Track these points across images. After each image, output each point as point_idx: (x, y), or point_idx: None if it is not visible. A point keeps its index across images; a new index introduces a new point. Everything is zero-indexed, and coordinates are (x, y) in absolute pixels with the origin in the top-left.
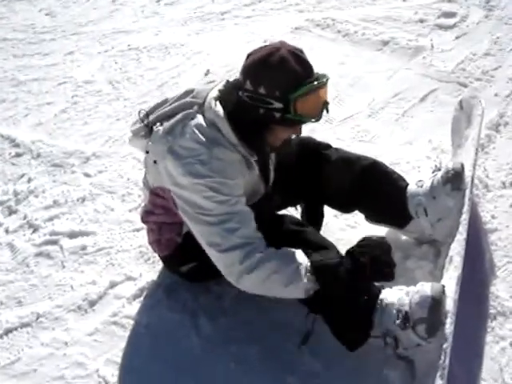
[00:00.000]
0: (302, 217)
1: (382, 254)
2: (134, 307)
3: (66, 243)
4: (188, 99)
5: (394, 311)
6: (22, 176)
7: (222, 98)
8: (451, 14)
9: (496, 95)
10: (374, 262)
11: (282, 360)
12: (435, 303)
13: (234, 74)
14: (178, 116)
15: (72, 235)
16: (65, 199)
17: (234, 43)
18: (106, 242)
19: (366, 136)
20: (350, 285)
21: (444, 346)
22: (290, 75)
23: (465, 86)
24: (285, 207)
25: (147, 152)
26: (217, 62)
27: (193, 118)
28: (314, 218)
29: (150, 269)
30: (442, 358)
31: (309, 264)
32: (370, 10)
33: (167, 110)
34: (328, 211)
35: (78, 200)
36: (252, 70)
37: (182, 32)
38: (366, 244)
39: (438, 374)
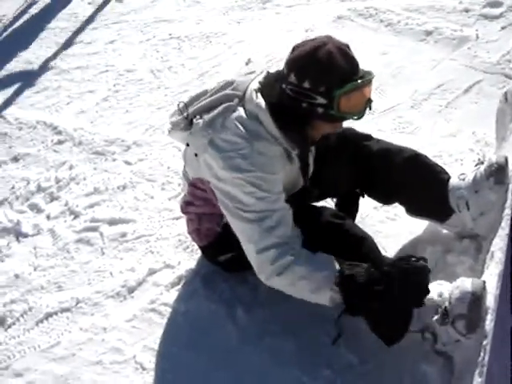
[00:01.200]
0: (335, 206)
1: (416, 281)
2: (172, 295)
3: (106, 230)
4: (228, 91)
5: (434, 306)
6: (64, 163)
7: (264, 89)
8: (497, 4)
9: None
10: (403, 287)
11: (318, 353)
12: (475, 299)
13: (275, 63)
14: (219, 108)
15: (112, 222)
16: (105, 187)
17: (275, 32)
18: (145, 229)
19: (407, 128)
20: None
21: (484, 342)
22: (337, 71)
23: (510, 77)
24: (323, 198)
25: (187, 144)
26: (258, 51)
27: (234, 111)
28: (349, 210)
29: (189, 257)
30: (482, 355)
31: (337, 275)
32: (413, 0)
33: (207, 102)
34: (368, 203)
35: (118, 188)
36: (298, 63)
37: (223, 21)
38: (403, 267)
39: (477, 372)
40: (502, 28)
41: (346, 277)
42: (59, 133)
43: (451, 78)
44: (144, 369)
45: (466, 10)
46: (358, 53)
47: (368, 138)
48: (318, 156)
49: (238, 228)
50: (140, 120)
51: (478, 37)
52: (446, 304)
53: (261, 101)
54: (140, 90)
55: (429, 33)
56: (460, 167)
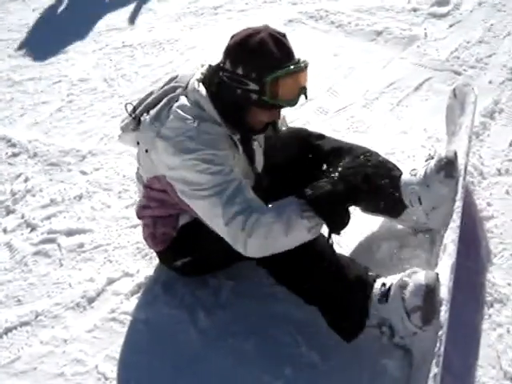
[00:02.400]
0: None
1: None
2: (132, 303)
3: (64, 241)
4: (172, 84)
5: (389, 300)
6: (19, 176)
7: (205, 79)
8: (444, 3)
9: (490, 82)
10: (366, 179)
11: (280, 352)
12: (429, 291)
13: None
14: (163, 101)
15: (69, 233)
16: (62, 197)
17: (227, 37)
18: (103, 239)
19: (360, 126)
20: (343, 274)
21: (439, 333)
22: (267, 57)
23: (459, 74)
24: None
25: (138, 143)
26: (210, 57)
27: (177, 101)
28: None
29: (148, 264)
30: (438, 345)
31: (302, 202)
32: (363, 1)
33: (153, 98)
34: None
35: (74, 198)
36: (232, 50)
37: (175, 27)
38: (351, 165)
39: (434, 362)
40: (450, 26)
41: (312, 197)
42: (13, 145)
43: (402, 76)
44: (107, 379)
45: (415, 10)
46: (309, 55)
47: (320, 137)
48: (270, 154)
49: (201, 208)
50: (94, 129)
51: (426, 35)
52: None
53: (202, 89)
54: (94, 99)
55: (379, 33)
56: (412, 163)
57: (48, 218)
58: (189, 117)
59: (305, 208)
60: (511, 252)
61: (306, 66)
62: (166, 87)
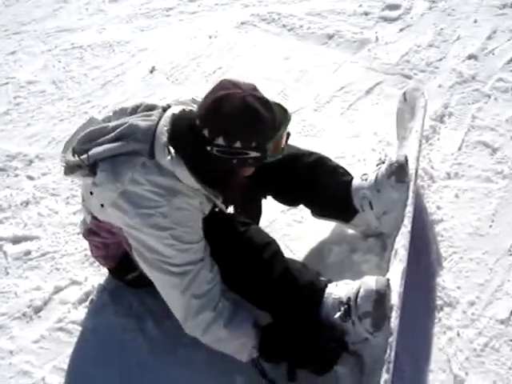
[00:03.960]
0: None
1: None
2: (80, 312)
3: (10, 249)
4: (132, 143)
5: (337, 304)
6: None
7: (176, 142)
8: (395, 7)
9: (440, 86)
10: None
11: (230, 361)
12: (380, 297)
13: (179, 70)
14: (126, 162)
15: (16, 240)
16: (8, 204)
17: (178, 40)
18: (50, 246)
19: (311, 130)
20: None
21: (389, 339)
22: (265, 127)
23: (409, 77)
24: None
25: (91, 193)
26: (162, 59)
27: (144, 166)
28: (251, 214)
29: (96, 272)
30: (388, 351)
31: (256, 343)
32: (315, 4)
33: (110, 148)
34: (275, 207)
35: (21, 204)
36: (223, 126)
37: (126, 29)
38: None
39: (384, 368)
40: (400, 30)
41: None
42: None
43: (353, 80)
44: None
45: (366, 13)
46: (261, 58)
47: None
48: None
49: (159, 280)
50: (42, 133)
51: (377, 39)
52: (350, 302)
53: (176, 160)
54: (42, 101)
55: (330, 36)
56: (363, 167)
57: None
58: (161, 190)
59: (256, 347)
60: (461, 255)
61: (290, 119)
62: (123, 141)
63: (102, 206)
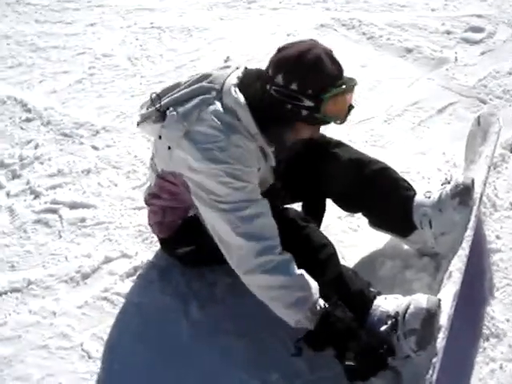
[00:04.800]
0: (302, 208)
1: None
2: (126, 285)
3: (66, 213)
4: (205, 84)
5: (384, 316)
6: (30, 141)
7: (243, 86)
8: (479, 29)
9: None
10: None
11: (269, 356)
12: (429, 316)
13: (254, 64)
14: (195, 101)
15: (72, 206)
16: (69, 169)
17: (257, 33)
18: (105, 216)
19: (379, 141)
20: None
21: (433, 360)
22: (325, 75)
23: (484, 102)
24: (291, 202)
25: (160, 137)
26: (237, 50)
27: (210, 104)
28: (315, 212)
29: (147, 248)
30: (430, 372)
31: (320, 304)
32: (398, 16)
33: (182, 93)
34: (332, 212)
35: (82, 172)
36: (286, 65)
37: (206, 16)
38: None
39: None
40: (482, 53)
41: (326, 313)
42: (28, 110)
43: (427, 96)
44: (90, 357)
45: (448, 32)
46: None
47: (338, 144)
48: (287, 158)
49: (215, 220)
50: (112, 106)
51: (456, 59)
52: (399, 317)
53: (240, 97)
54: (115, 75)
55: (409, 50)
56: (427, 185)
57: (53, 187)
58: (221, 125)
59: (314, 312)
60: None
61: (355, 84)
62: (197, 85)
63: (169, 148)
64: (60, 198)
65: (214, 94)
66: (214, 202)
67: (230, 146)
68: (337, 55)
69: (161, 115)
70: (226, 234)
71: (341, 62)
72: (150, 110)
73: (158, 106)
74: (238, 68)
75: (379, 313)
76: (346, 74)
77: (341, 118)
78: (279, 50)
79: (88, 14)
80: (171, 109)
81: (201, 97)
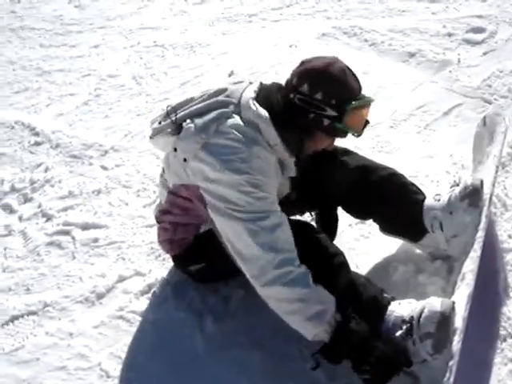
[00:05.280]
0: (316, 222)
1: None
2: (141, 303)
3: (78, 234)
4: (221, 98)
5: (399, 321)
6: (40, 165)
7: (261, 99)
8: (480, 30)
9: None
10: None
11: (285, 367)
12: (444, 319)
13: (258, 76)
14: (213, 114)
15: (84, 227)
16: (80, 190)
17: (259, 46)
18: (117, 235)
19: (386, 147)
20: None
21: (450, 363)
22: (348, 87)
23: (489, 102)
24: (302, 213)
25: (175, 150)
26: (241, 64)
27: (229, 118)
28: (328, 223)
29: (160, 266)
30: (447, 375)
31: (336, 317)
32: (398, 21)
33: (199, 107)
34: (343, 220)
35: (93, 192)
36: (312, 75)
37: (208, 32)
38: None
39: None
40: (484, 53)
41: (343, 327)
42: (37, 134)
43: (431, 100)
44: (109, 376)
45: (449, 35)
46: None
47: (345, 152)
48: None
49: (233, 230)
50: (119, 125)
51: (459, 61)
52: (414, 322)
53: (261, 110)
54: (121, 95)
55: (412, 54)
56: (436, 188)
57: (65, 209)
58: (243, 138)
59: (332, 326)
60: None
61: (373, 101)
62: (214, 99)
63: (184, 160)
64: (72, 220)
65: (231, 107)
66: (233, 212)
67: (252, 157)
68: None
69: (176, 128)
70: (244, 244)
71: (358, 83)
72: (164, 123)
73: (173, 118)
74: (251, 83)
75: (394, 318)
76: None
77: (358, 130)
78: (303, 62)
79: (91, 36)
80: (188, 121)
81: (219, 110)
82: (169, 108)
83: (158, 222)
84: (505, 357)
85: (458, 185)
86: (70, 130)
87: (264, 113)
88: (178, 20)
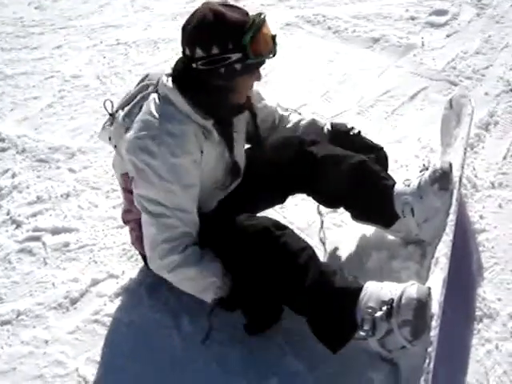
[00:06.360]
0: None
1: None
2: (116, 305)
3: (49, 240)
4: (145, 82)
5: (379, 302)
6: (6, 171)
7: (175, 73)
8: (442, 12)
9: (486, 94)
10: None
11: (265, 361)
12: (421, 306)
13: None
14: (136, 99)
15: (55, 231)
16: (49, 195)
17: None
18: (89, 238)
19: None
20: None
21: (429, 349)
22: (233, 24)
23: (455, 84)
24: (271, 205)
25: (110, 138)
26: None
27: (147, 97)
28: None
29: (133, 266)
30: (427, 361)
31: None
32: (361, 7)
33: (128, 96)
34: (313, 210)
35: (61, 196)
36: (196, 36)
37: (171, 27)
38: None
39: (423, 379)
40: (447, 36)
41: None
42: (2, 140)
43: (397, 84)
44: (87, 382)
45: (413, 18)
46: (305, 60)
47: (314, 142)
48: (262, 161)
49: (142, 217)
50: (85, 127)
51: (423, 44)
52: (394, 305)
53: (169, 82)
54: (86, 96)
55: (376, 40)
56: (406, 173)
57: (34, 215)
58: (156, 114)
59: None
60: (502, 266)
61: (265, 16)
62: (140, 85)
63: (115, 147)
64: (42, 225)
65: (151, 88)
66: (143, 200)
67: (162, 133)
68: (304, 52)
69: (113, 119)
70: (147, 233)
71: (242, 7)
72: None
73: (110, 111)
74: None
75: (373, 296)
76: (315, 70)
77: (270, 51)
78: (183, 29)
79: (53, 37)
80: (120, 111)
81: (141, 94)
82: (106, 102)
83: (125, 223)
84: (481, 337)
85: (427, 169)
86: (36, 134)
87: (171, 84)
88: (140, 16)
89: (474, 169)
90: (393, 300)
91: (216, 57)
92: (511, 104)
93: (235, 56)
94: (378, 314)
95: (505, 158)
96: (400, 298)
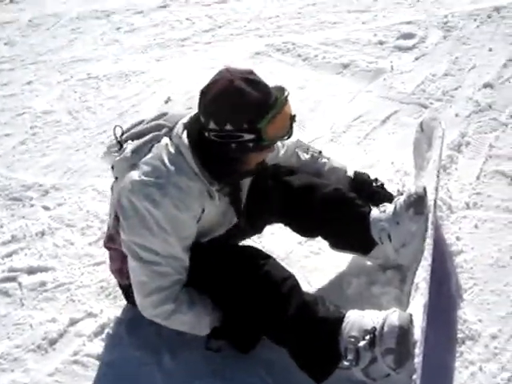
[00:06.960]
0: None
1: None
2: (96, 345)
3: (25, 280)
4: (160, 121)
5: (362, 331)
6: None
7: (189, 128)
8: (410, 36)
9: (457, 115)
10: None
11: None
12: (403, 333)
13: (195, 100)
14: (148, 136)
15: (31, 271)
16: (23, 234)
17: (194, 70)
18: (65, 277)
19: None
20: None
21: (413, 376)
22: (252, 104)
23: (425, 106)
24: (248, 235)
25: (112, 168)
26: (177, 90)
27: (159, 141)
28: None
29: (111, 304)
30: None
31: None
32: (330, 34)
33: (140, 129)
34: (292, 238)
35: (36, 234)
36: (212, 109)
37: (142, 59)
38: None
39: None
40: (416, 59)
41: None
42: None
43: (368, 109)
44: None
45: (381, 43)
46: None
47: (290, 172)
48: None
49: (131, 263)
50: (58, 163)
51: (392, 68)
52: (377, 333)
53: (184, 138)
54: (58, 131)
55: (345, 66)
56: None
57: (9, 255)
58: (167, 162)
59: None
60: (481, 287)
61: (288, 95)
62: (153, 122)
63: (116, 178)
64: (17, 265)
65: (165, 130)
66: (135, 246)
67: (169, 185)
68: (274, 81)
69: (120, 147)
70: (137, 282)
71: (264, 80)
72: (113, 141)
73: (119, 138)
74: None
75: (356, 325)
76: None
77: (285, 133)
78: (201, 94)
79: (24, 73)
80: (129, 142)
81: (154, 133)
82: (116, 127)
83: (107, 248)
84: (465, 360)
85: (401, 194)
86: (9, 172)
87: (186, 142)
88: (110, 49)
89: (449, 190)
90: (375, 328)
91: (229, 133)
92: (482, 124)
93: (248, 136)
94: (362, 343)
95: (478, 177)
96: (382, 326)
